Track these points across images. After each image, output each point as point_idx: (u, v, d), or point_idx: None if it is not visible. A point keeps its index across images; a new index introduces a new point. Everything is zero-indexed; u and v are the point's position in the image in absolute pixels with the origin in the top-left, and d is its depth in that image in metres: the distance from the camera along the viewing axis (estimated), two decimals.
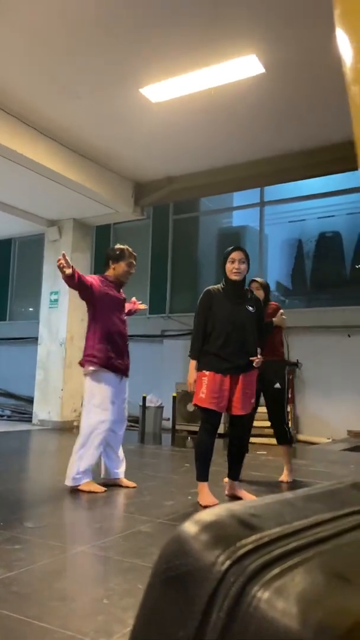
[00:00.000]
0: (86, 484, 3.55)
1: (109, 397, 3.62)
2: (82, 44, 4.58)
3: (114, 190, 7.20)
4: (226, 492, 3.59)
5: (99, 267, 9.52)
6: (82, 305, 9.07)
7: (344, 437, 7.10)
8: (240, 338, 3.31)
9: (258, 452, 5.83)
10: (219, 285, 3.48)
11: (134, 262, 3.88)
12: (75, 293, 8.65)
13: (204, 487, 3.33)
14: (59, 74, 5.03)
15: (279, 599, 0.28)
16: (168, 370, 8.31)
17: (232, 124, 5.80)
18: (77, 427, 7.96)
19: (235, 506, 0.35)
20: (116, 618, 1.70)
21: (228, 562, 0.30)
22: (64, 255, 3.52)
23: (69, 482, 3.57)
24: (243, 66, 4.75)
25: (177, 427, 7.60)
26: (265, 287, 4.18)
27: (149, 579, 0.33)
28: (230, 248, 3.41)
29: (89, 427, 3.59)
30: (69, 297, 8.06)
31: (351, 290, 7.79)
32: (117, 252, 3.85)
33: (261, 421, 6.78)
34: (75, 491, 3.58)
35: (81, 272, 8.53)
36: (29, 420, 8.41)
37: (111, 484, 3.75)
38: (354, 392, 7.08)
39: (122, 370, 3.75)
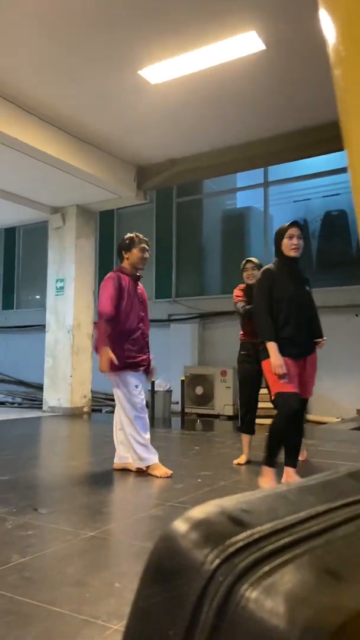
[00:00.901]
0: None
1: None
2: (78, 28, 4.50)
3: (116, 175, 7.15)
4: (282, 481, 3.52)
5: (104, 252, 9.54)
6: (88, 292, 9.09)
7: (353, 416, 7.11)
8: (307, 320, 3.21)
9: (267, 434, 5.85)
10: (271, 265, 3.32)
11: (147, 247, 3.87)
12: (81, 280, 8.60)
13: (268, 473, 3.17)
14: (57, 60, 4.96)
15: (267, 598, 0.27)
16: (176, 354, 8.33)
17: (233, 103, 5.71)
18: (88, 413, 8.05)
19: (226, 502, 0.35)
20: (128, 601, 1.72)
21: (217, 561, 0.30)
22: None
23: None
24: (243, 43, 4.66)
25: (186, 410, 7.64)
26: (260, 267, 4.15)
27: (141, 577, 0.33)
28: (287, 224, 3.25)
29: None
30: (74, 285, 8.07)
31: (358, 269, 7.73)
32: (127, 241, 3.86)
33: (269, 402, 6.80)
34: (88, 476, 3.62)
35: (86, 258, 8.45)
36: (39, 407, 8.49)
37: (121, 468, 3.80)
38: None
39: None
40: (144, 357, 3.78)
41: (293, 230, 3.21)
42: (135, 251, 3.82)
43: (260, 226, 8.49)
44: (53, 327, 8.22)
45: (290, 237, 3.21)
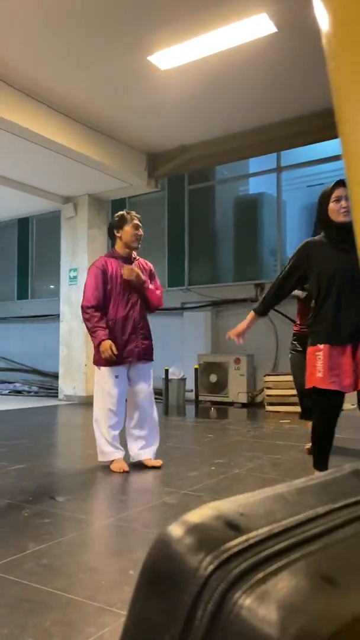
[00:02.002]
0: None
1: None
2: (87, 14, 4.46)
3: (126, 163, 7.12)
4: None
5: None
6: None
7: None
8: (356, 293, 2.64)
9: (281, 421, 5.86)
10: (319, 237, 2.85)
11: (139, 223, 3.65)
12: None
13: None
14: (66, 47, 4.93)
15: (260, 605, 0.27)
16: (189, 342, 8.33)
17: (244, 87, 5.63)
18: None
19: (224, 505, 0.35)
20: None
21: (211, 567, 0.30)
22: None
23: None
24: (254, 26, 4.58)
25: (200, 398, 7.67)
26: None
27: (137, 581, 0.33)
28: (330, 186, 2.80)
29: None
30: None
31: None
32: (117, 219, 3.66)
33: (284, 389, 6.79)
34: (102, 465, 3.65)
35: (98, 247, 8.42)
36: (55, 395, 8.58)
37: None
38: None
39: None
40: (134, 344, 3.55)
41: (340, 191, 2.74)
42: (127, 228, 3.60)
43: (274, 212, 8.40)
44: (67, 317, 8.28)
45: (338, 200, 2.74)
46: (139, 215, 3.73)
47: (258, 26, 4.59)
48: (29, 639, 1.42)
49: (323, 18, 0.32)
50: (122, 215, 3.66)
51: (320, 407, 2.76)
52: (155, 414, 3.71)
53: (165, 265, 9.13)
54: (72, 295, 8.23)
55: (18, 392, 9.41)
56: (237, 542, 0.31)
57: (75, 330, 8.15)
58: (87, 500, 2.95)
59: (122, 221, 3.64)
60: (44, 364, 9.97)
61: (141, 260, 3.80)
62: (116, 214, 3.73)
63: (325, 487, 0.42)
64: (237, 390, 7.58)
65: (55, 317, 8.95)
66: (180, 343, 8.27)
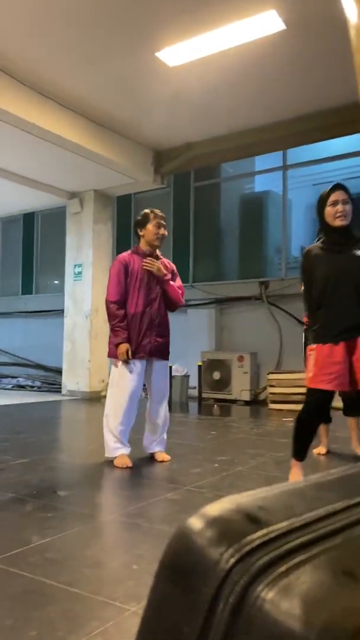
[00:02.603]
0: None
1: None
2: (95, 9, 4.44)
3: (133, 159, 7.11)
4: None
5: (121, 237, 9.53)
6: (106, 278, 9.12)
7: None
8: (350, 291, 2.68)
9: (284, 419, 5.86)
10: (318, 243, 2.89)
11: (162, 222, 3.67)
12: (99, 265, 8.65)
13: (295, 466, 2.86)
14: (74, 43, 4.92)
15: (283, 599, 0.27)
16: (193, 340, 8.33)
17: (251, 84, 5.61)
18: (105, 397, 8.12)
19: (242, 499, 0.35)
20: (145, 583, 1.75)
21: (232, 560, 0.29)
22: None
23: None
24: (262, 23, 4.56)
25: (203, 395, 7.67)
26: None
27: (156, 572, 0.33)
28: (327, 189, 2.79)
29: None
30: (92, 270, 8.10)
31: None
32: (141, 217, 3.69)
33: (287, 387, 6.79)
34: (106, 460, 3.66)
35: (103, 243, 8.40)
36: (58, 390, 8.60)
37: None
38: None
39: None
40: (147, 340, 3.58)
41: (337, 195, 2.74)
42: (150, 227, 3.63)
43: (279, 210, 8.38)
44: (71, 312, 8.29)
45: (334, 204, 2.74)
46: (163, 214, 3.72)
47: (267, 23, 4.56)
48: (32, 631, 1.42)
49: (353, 11, 0.31)
50: (146, 214, 3.68)
51: (308, 403, 2.81)
52: (166, 409, 3.79)
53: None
54: (77, 290, 8.24)
55: (21, 387, 9.43)
56: (258, 536, 0.31)
57: (79, 325, 8.16)
58: (90, 495, 2.96)
59: (145, 220, 3.67)
60: (47, 359, 9.99)
61: (164, 259, 3.83)
62: (141, 213, 3.74)
63: (341, 483, 0.42)
64: (240, 388, 7.58)
65: (60, 312, 8.97)
66: (184, 340, 8.27)
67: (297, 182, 8.58)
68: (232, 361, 7.66)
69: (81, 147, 6.35)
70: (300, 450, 2.84)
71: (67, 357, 8.31)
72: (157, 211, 3.70)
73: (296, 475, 2.85)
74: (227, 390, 7.66)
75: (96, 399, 7.87)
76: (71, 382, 8.21)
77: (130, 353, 3.52)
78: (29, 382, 9.62)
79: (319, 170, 8.39)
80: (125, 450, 3.58)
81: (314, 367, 2.71)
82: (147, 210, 3.71)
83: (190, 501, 2.72)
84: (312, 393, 2.78)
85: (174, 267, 3.87)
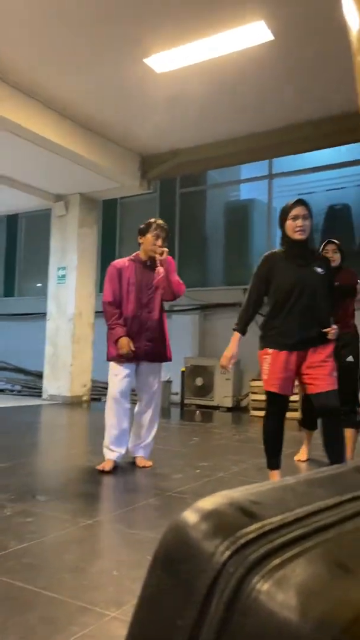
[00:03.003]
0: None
1: None
2: (84, 14, 4.45)
3: (119, 163, 7.11)
4: None
5: (106, 242, 9.51)
6: (90, 281, 9.09)
7: None
8: (308, 306, 2.84)
9: None
10: (278, 249, 3.01)
11: (161, 234, 3.70)
12: (83, 269, 8.60)
13: (273, 476, 2.93)
14: (62, 46, 4.91)
15: (278, 590, 0.27)
16: (176, 345, 8.30)
17: (239, 94, 5.66)
18: (87, 402, 8.07)
19: (236, 493, 0.35)
20: (126, 589, 1.73)
21: (228, 553, 0.29)
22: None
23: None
24: (251, 33, 4.61)
25: (186, 401, 7.66)
26: (342, 249, 3.83)
27: (149, 567, 0.33)
28: (290, 203, 2.92)
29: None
30: (76, 273, 8.06)
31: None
32: (143, 226, 3.76)
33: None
34: (86, 465, 3.63)
35: (88, 247, 8.36)
36: (39, 395, 8.51)
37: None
38: None
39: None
40: (136, 345, 3.61)
41: (297, 210, 2.86)
42: (149, 236, 3.70)
43: (264, 219, 8.45)
44: (54, 316, 8.23)
45: (295, 218, 2.87)
46: (164, 226, 3.74)
47: (255, 33, 4.62)
48: (11, 635, 1.40)
49: (353, 14, 0.32)
50: (149, 223, 3.75)
51: (268, 409, 2.97)
52: (157, 414, 3.79)
53: None
54: (60, 293, 8.18)
55: (0, 391, 9.31)
56: (252, 529, 0.31)
57: (62, 329, 8.10)
58: (70, 500, 2.92)
59: (147, 228, 3.73)
60: (28, 362, 9.89)
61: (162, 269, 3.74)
62: (146, 221, 3.79)
63: (332, 480, 0.42)
64: (222, 394, 7.59)
65: (42, 315, 8.89)
66: None
67: (282, 191, 8.67)
68: (215, 367, 7.67)
69: (67, 149, 6.33)
70: (273, 459, 2.94)
71: (48, 361, 8.23)
72: (160, 222, 3.76)
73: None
74: (210, 397, 7.67)
75: (77, 403, 7.80)
76: (52, 386, 8.13)
77: (131, 345, 3.55)
78: (9, 386, 9.51)
79: (303, 180, 8.49)
80: (112, 455, 3.57)
81: (269, 370, 2.86)
82: (152, 220, 3.78)
83: (171, 507, 2.71)
84: (270, 399, 2.93)
85: (172, 261, 3.85)
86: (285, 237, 2.95)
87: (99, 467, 3.49)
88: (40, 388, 8.51)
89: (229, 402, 7.52)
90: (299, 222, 2.86)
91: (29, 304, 10.31)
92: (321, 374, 2.83)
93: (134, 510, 2.70)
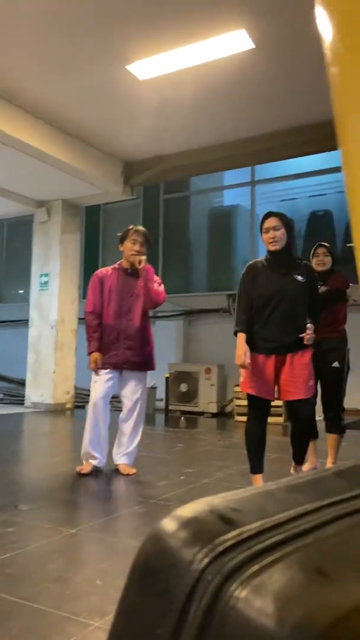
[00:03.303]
0: None
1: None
2: (67, 20, 4.45)
3: (102, 169, 7.11)
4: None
5: (89, 248, 9.48)
6: (73, 288, 9.05)
7: None
8: (288, 313, 2.94)
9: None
10: (262, 258, 3.12)
11: (138, 239, 3.71)
12: (66, 275, 8.55)
13: (256, 480, 2.99)
14: (44, 52, 4.91)
15: (256, 597, 0.27)
16: (161, 351, 8.28)
17: (221, 101, 5.71)
18: (71, 409, 8.00)
19: (215, 500, 0.35)
20: (109, 598, 1.72)
21: (206, 560, 0.29)
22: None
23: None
24: (232, 41, 4.66)
25: (170, 407, 7.65)
26: (333, 252, 3.82)
27: (128, 575, 0.33)
28: (263, 217, 3.05)
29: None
30: (59, 280, 8.01)
31: (342, 268, 7.79)
32: (122, 233, 3.79)
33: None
34: (69, 473, 3.60)
35: (71, 253, 8.34)
36: (21, 403, 8.42)
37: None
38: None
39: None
40: (114, 353, 3.65)
41: (268, 222, 2.99)
42: (127, 243, 3.72)
43: (247, 224, 8.51)
44: (36, 322, 8.16)
45: (267, 231, 2.99)
46: (141, 231, 3.75)
47: (237, 42, 4.67)
48: None
49: (325, 23, 0.32)
50: (127, 230, 3.77)
51: (249, 413, 3.06)
52: (140, 422, 3.75)
53: None
54: (43, 300, 8.12)
55: None
56: (231, 536, 0.31)
57: (44, 336, 8.03)
58: (52, 508, 2.89)
59: (124, 236, 3.76)
60: (10, 370, 9.79)
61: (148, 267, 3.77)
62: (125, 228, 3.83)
63: (312, 485, 0.42)
64: (207, 400, 7.59)
65: (24, 322, 8.82)
66: None
67: (265, 198, 8.75)
68: (200, 373, 7.68)
69: (50, 156, 6.31)
70: (256, 463, 2.99)
71: (31, 368, 8.15)
72: (138, 227, 3.78)
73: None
74: (194, 403, 7.67)
75: (61, 411, 7.74)
76: (35, 394, 8.05)
77: (99, 362, 3.61)
78: None
79: (286, 187, 8.58)
80: (93, 460, 3.60)
81: (246, 374, 2.96)
82: (130, 226, 3.80)
83: (156, 514, 2.70)
84: (251, 402, 3.01)
85: (151, 268, 3.85)
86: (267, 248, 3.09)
87: (78, 469, 3.58)
88: (23, 396, 8.42)
89: (213, 408, 7.53)
90: (271, 233, 2.98)
91: (11, 310, 10.21)
92: (297, 382, 2.92)
93: (118, 518, 2.68)
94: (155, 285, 3.73)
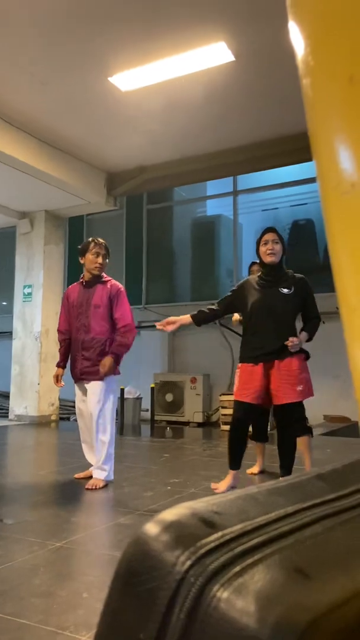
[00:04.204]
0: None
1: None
2: (49, 31, 4.48)
3: (85, 180, 7.12)
4: None
5: (73, 259, 9.45)
6: (57, 299, 9.00)
7: (320, 422, 7.22)
8: (272, 322, 3.19)
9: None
10: (253, 277, 3.43)
11: (100, 251, 3.75)
12: (50, 287, 8.50)
13: (229, 474, 3.33)
14: (26, 63, 4.92)
15: (238, 597, 0.28)
16: (146, 362, 8.30)
17: (202, 112, 5.77)
18: (56, 421, 7.92)
19: (197, 504, 0.35)
20: (96, 611, 1.70)
21: (189, 562, 0.30)
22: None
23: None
24: (212, 54, 4.72)
25: (156, 417, 7.62)
26: (283, 241, 4.01)
27: (111, 581, 0.33)
28: (262, 231, 3.35)
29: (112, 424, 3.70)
30: (42, 291, 7.97)
31: (325, 277, 7.83)
32: (82, 246, 3.84)
33: None
34: (55, 486, 3.56)
35: (55, 264, 8.33)
36: (5, 415, 8.32)
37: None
38: (329, 377, 7.19)
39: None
40: (75, 364, 3.74)
41: (267, 236, 3.29)
42: (89, 256, 3.76)
43: (230, 234, 8.57)
44: (20, 334, 8.09)
45: (265, 243, 3.28)
46: (102, 243, 3.80)
47: (216, 54, 4.73)
48: None
49: (297, 36, 0.33)
50: (87, 243, 3.82)
51: (235, 413, 3.29)
52: (99, 434, 3.62)
53: (123, 283, 9.10)
54: (26, 312, 8.06)
55: None
56: (213, 539, 0.31)
57: (28, 347, 7.97)
58: (38, 522, 2.86)
59: (85, 248, 3.80)
60: None
61: (112, 282, 3.83)
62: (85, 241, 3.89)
63: (292, 488, 0.43)
64: (193, 410, 7.58)
65: (8, 334, 8.74)
66: (137, 362, 8.22)
67: (247, 207, 8.83)
68: (185, 383, 7.68)
69: (32, 167, 6.30)
70: (235, 459, 3.26)
71: (15, 380, 8.07)
72: (99, 240, 3.82)
73: (226, 481, 3.30)
74: (180, 412, 7.65)
75: (45, 423, 7.66)
76: (19, 406, 7.96)
77: (59, 377, 3.82)
78: None
79: (267, 196, 8.67)
80: (90, 465, 3.77)
81: (238, 382, 3.23)
82: (89, 239, 3.85)
83: (142, 526, 2.67)
84: (237, 405, 3.26)
85: (121, 289, 3.83)
86: (260, 262, 3.34)
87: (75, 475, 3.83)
88: (7, 408, 8.32)
89: (199, 418, 7.52)
90: (269, 245, 3.25)
91: None
92: (284, 386, 3.16)
93: (104, 530, 2.65)
94: (119, 337, 3.70)
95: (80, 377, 3.71)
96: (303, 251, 8.32)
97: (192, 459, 4.77)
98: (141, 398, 7.64)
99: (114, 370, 3.66)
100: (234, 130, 6.18)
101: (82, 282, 3.84)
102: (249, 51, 4.72)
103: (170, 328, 3.33)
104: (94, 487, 3.49)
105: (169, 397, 7.72)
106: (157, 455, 5.05)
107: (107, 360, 3.58)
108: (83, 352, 3.70)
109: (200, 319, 3.38)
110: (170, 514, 0.33)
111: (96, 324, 3.70)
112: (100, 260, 3.76)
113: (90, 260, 3.75)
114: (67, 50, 4.74)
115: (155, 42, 4.58)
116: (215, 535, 0.32)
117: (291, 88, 5.20)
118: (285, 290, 3.24)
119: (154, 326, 8.67)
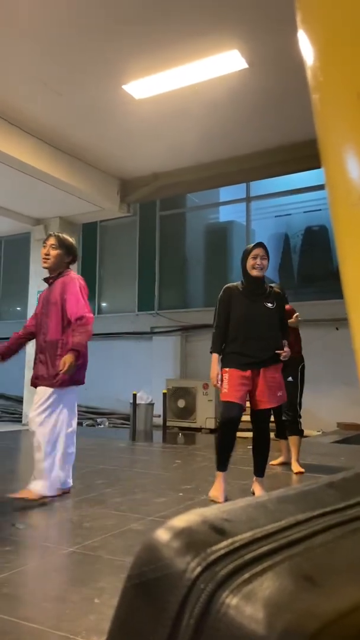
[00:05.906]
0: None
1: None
2: (64, 41, 4.54)
3: (99, 187, 7.17)
4: (252, 489, 3.51)
5: (87, 265, 9.52)
6: None
7: (334, 429, 7.16)
8: (259, 334, 3.33)
9: (249, 447, 5.86)
10: (237, 283, 3.49)
11: (45, 242, 3.60)
12: None
13: (218, 477, 3.37)
14: (42, 72, 4.99)
15: (247, 604, 0.28)
16: (158, 367, 8.31)
17: (216, 119, 5.79)
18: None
19: (208, 511, 0.36)
20: (108, 617, 1.70)
21: (199, 569, 0.30)
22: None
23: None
24: (226, 61, 4.75)
25: (168, 423, 7.61)
26: (282, 290, 4.14)
27: (123, 586, 0.33)
28: (251, 245, 3.44)
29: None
30: None
31: (338, 283, 7.74)
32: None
33: None
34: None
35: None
36: (19, 420, 8.37)
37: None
38: (343, 384, 7.14)
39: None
40: (33, 369, 3.46)
41: (257, 251, 3.37)
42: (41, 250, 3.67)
43: (243, 240, 8.57)
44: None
45: (255, 257, 3.36)
46: (55, 234, 3.66)
47: (230, 62, 4.76)
48: None
49: (307, 51, 0.34)
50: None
51: (223, 417, 3.42)
52: (35, 450, 3.36)
53: (135, 289, 9.15)
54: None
55: None
56: (223, 546, 0.32)
57: None
58: (50, 527, 2.87)
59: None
60: (7, 387, 9.76)
61: (70, 275, 3.56)
62: None
63: (303, 496, 0.43)
64: (205, 416, 7.57)
65: None
66: (149, 367, 8.25)
67: (260, 213, 8.83)
68: (197, 389, 7.66)
69: (47, 174, 6.37)
70: (223, 461, 3.37)
71: (28, 385, 8.11)
72: (52, 233, 3.70)
73: (219, 486, 3.32)
74: (192, 418, 7.64)
75: None
76: None
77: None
78: None
79: (280, 202, 8.66)
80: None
81: (228, 385, 3.33)
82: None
83: (153, 532, 2.67)
84: (228, 406, 3.35)
85: (70, 278, 3.54)
86: (244, 274, 3.43)
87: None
88: (20, 413, 8.38)
89: (211, 424, 7.49)
90: (258, 260, 3.35)
91: (9, 327, 10.19)
92: (268, 393, 3.34)
93: (116, 536, 2.66)
94: (74, 332, 3.31)
95: (34, 382, 3.41)
96: (316, 258, 8.29)
97: (204, 466, 4.76)
98: (153, 404, 7.64)
99: (74, 369, 3.22)
100: (247, 137, 6.20)
101: (49, 279, 3.66)
102: (262, 59, 4.74)
103: (220, 384, 3.38)
104: (19, 496, 3.22)
105: (181, 403, 7.72)
106: (169, 462, 5.05)
107: (67, 358, 3.15)
108: (40, 354, 3.41)
109: (220, 348, 3.44)
110: (180, 521, 0.34)
111: (52, 323, 3.40)
112: (44, 250, 3.50)
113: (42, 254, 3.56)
114: (83, 60, 4.80)
115: (168, 50, 4.62)
116: (225, 542, 0.32)
117: (305, 94, 5.19)
118: (269, 305, 3.40)
119: (167, 332, 8.69)
